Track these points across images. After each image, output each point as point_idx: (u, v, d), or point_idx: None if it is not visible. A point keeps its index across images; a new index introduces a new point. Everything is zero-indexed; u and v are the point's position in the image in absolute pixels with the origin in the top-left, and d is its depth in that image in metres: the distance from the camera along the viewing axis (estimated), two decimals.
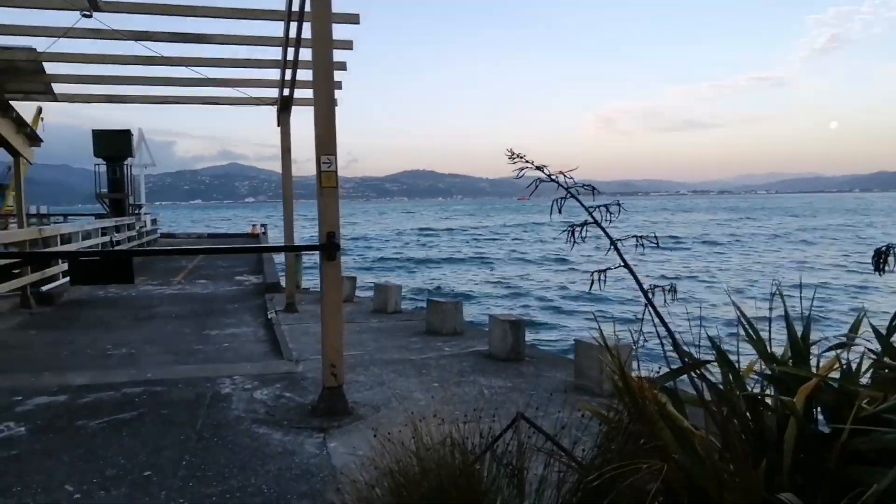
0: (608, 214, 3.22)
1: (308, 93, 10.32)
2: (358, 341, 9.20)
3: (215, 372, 7.54)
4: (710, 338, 3.08)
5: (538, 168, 3.39)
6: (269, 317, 11.23)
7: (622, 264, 3.12)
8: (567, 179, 3.37)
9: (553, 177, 3.34)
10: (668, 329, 3.04)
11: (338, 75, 11.38)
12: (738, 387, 2.93)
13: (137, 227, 23.44)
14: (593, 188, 3.30)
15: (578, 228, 3.21)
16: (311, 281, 19.92)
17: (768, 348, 3.07)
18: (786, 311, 3.02)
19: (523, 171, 3.47)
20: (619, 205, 3.27)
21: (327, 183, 5.78)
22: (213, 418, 5.88)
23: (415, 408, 6.08)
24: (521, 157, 3.53)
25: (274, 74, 10.94)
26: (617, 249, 3.15)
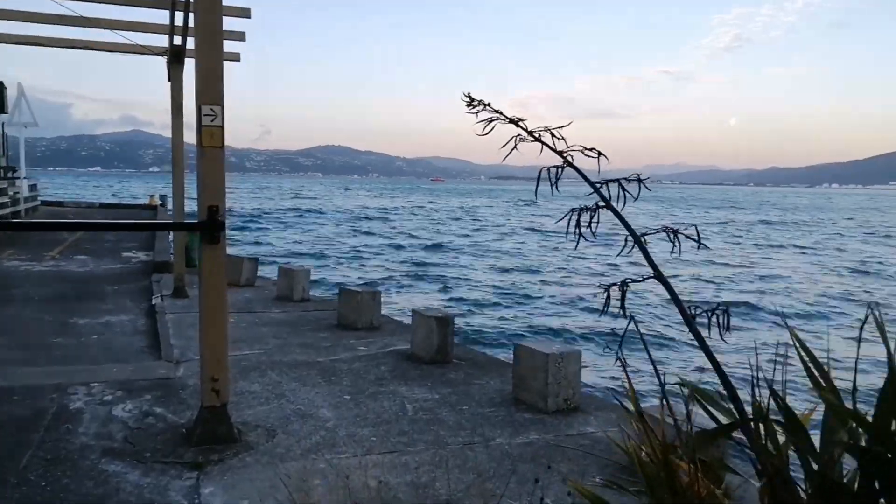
0: (621, 197, 2.12)
1: None
2: (255, 336, 7.81)
3: (68, 377, 6.00)
4: (769, 388, 2.01)
5: (512, 121, 2.25)
6: (153, 303, 9.63)
7: (654, 275, 2.00)
8: (556, 139, 2.25)
9: (538, 134, 2.22)
10: (719, 370, 1.95)
11: (239, 24, 9.83)
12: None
13: (11, 194, 20.73)
14: (600, 153, 2.19)
15: (587, 213, 2.09)
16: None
17: (849, 403, 2.03)
18: (888, 349, 1.96)
19: (493, 124, 2.33)
20: (640, 181, 2.15)
21: (210, 142, 4.40)
22: (47, 449, 4.42)
23: (322, 430, 4.84)
24: (484, 105, 2.37)
25: (163, 18, 9.25)
26: (644, 251, 2.03)
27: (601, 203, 2.14)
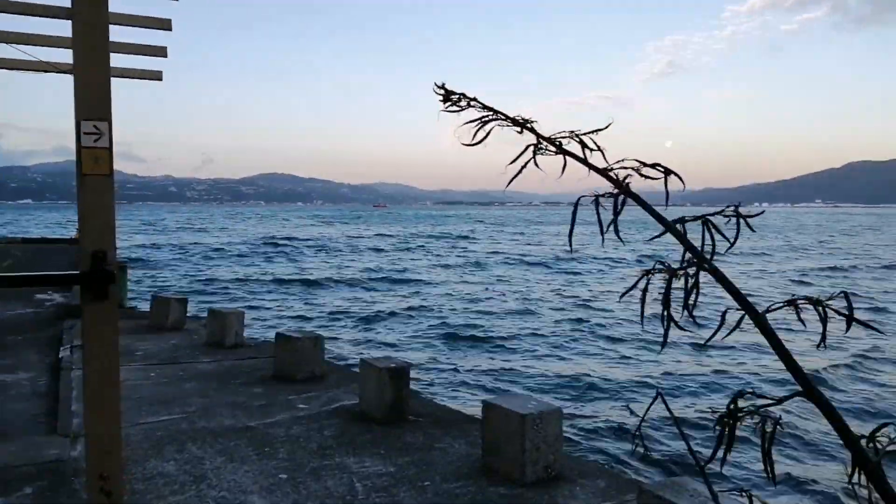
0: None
1: (128, 59, 7.84)
2: (177, 395, 6.69)
3: None
4: None
5: (514, 122, 1.42)
6: (61, 356, 8.37)
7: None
8: (589, 146, 1.40)
9: (560, 141, 1.40)
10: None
11: (163, 38, 8.77)
12: None
13: None
14: (668, 172, 1.34)
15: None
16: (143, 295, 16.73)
17: None
18: None
19: (485, 125, 1.48)
20: (738, 215, 1.31)
21: (94, 168, 3.39)
22: None
23: None
24: (469, 100, 1.52)
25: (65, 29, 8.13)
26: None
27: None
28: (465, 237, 64.85)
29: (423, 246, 47.53)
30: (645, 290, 1.11)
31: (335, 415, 6.13)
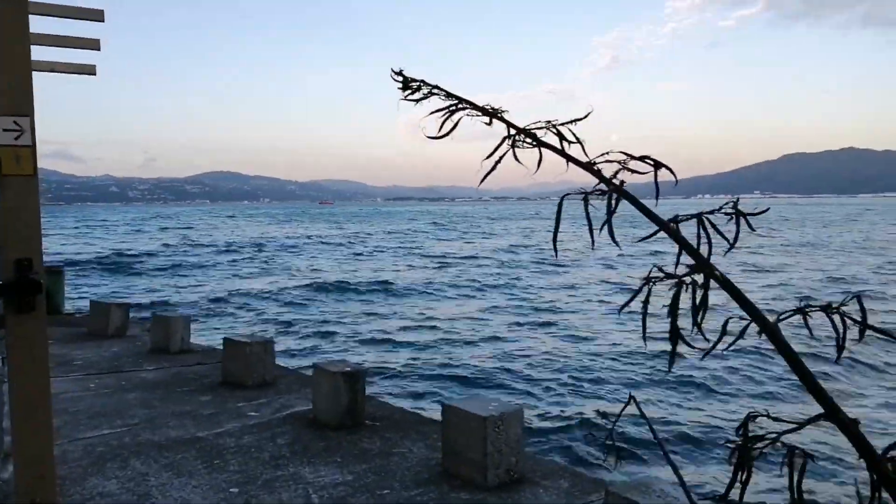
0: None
1: (57, 53, 7.44)
2: (119, 407, 6.34)
3: None
4: None
5: (483, 111, 1.26)
6: None
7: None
8: (568, 138, 1.26)
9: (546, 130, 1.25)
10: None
11: (95, 30, 8.33)
12: None
13: None
14: (658, 165, 1.21)
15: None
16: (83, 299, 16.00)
17: None
18: None
19: (452, 115, 1.32)
20: (738, 213, 1.18)
21: (16, 168, 3.11)
22: None
23: None
24: (431, 88, 1.36)
25: None
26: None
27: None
28: (421, 232, 64.15)
29: (379, 247, 46.24)
30: (646, 302, 0.98)
31: (288, 422, 5.90)
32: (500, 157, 1.18)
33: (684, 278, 0.97)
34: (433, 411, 7.76)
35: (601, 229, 1.03)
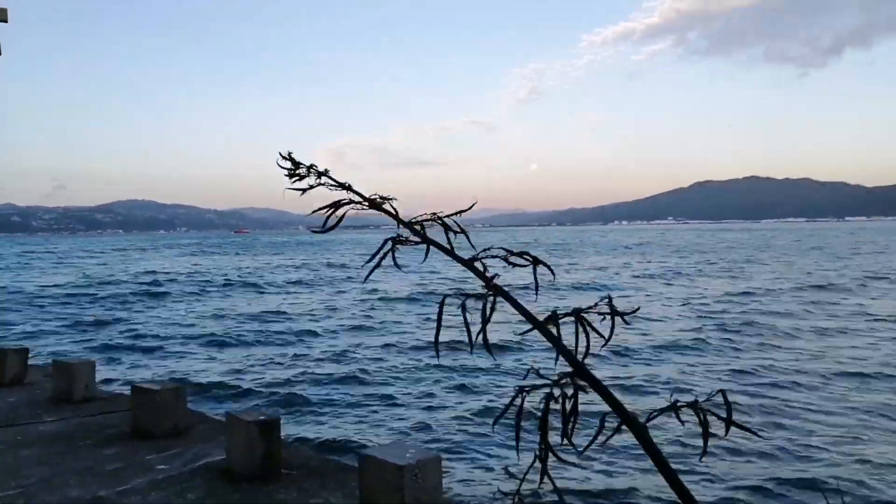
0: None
1: None
2: (12, 466, 5.93)
3: None
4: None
5: (319, 173, 1.31)
6: None
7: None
8: (453, 229, 1.31)
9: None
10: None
11: None
12: None
13: None
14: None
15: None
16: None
17: None
18: None
19: (338, 210, 1.34)
20: (613, 312, 1.25)
21: None
22: None
23: None
24: (309, 169, 1.38)
25: None
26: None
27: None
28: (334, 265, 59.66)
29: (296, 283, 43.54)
30: (520, 411, 1.01)
31: (200, 474, 5.66)
32: (383, 257, 1.19)
33: (554, 390, 1.00)
34: (354, 452, 7.65)
35: (478, 336, 1.05)
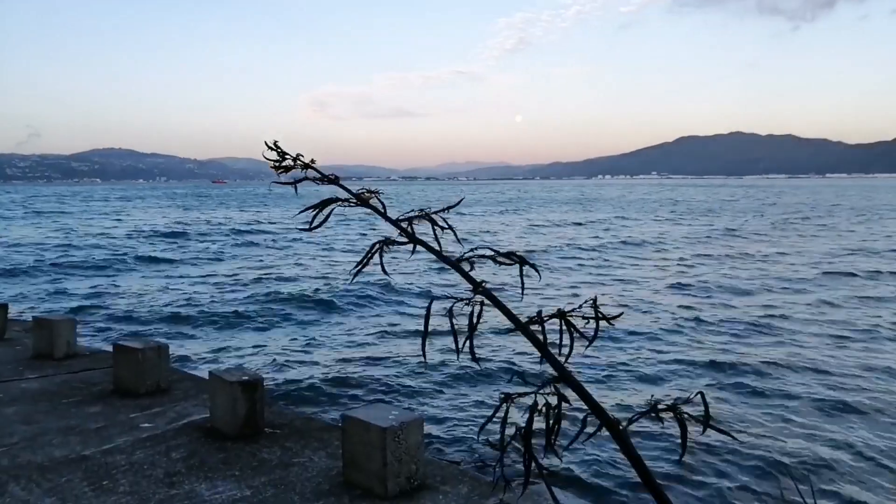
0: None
1: None
2: None
3: None
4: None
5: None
6: None
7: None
8: (440, 225, 1.30)
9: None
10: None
11: None
12: None
13: None
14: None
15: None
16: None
17: None
18: None
19: (324, 208, 1.32)
20: (598, 316, 1.25)
21: None
22: None
23: None
24: (294, 160, 1.36)
25: None
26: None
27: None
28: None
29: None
30: (504, 420, 1.02)
31: (184, 433, 5.72)
32: (370, 257, 1.19)
33: (538, 397, 1.02)
34: (337, 412, 7.73)
35: (464, 345, 1.06)
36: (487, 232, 43.98)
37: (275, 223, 51.86)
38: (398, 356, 11.76)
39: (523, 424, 1.01)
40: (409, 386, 9.96)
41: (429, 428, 7.27)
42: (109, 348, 7.76)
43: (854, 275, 22.67)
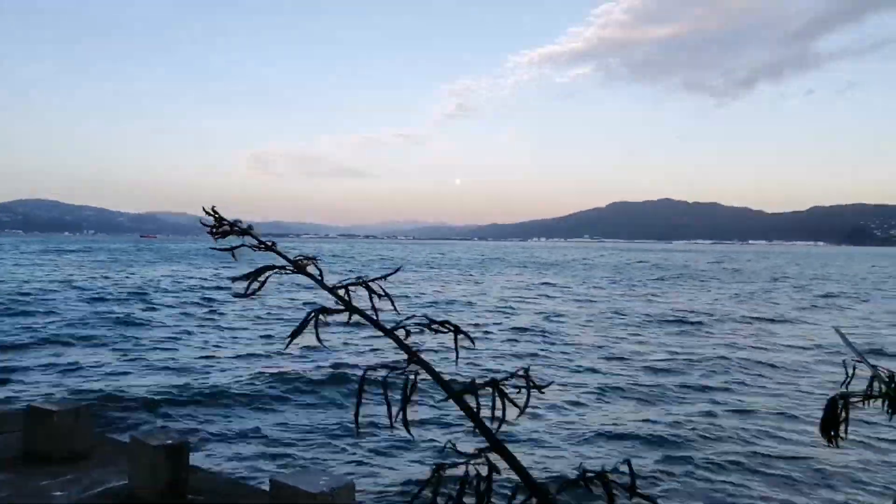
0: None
1: None
2: None
3: None
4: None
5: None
6: None
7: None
8: (377, 292, 1.32)
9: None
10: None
11: None
12: None
13: None
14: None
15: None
16: None
17: None
18: None
19: (259, 275, 1.33)
20: (529, 384, 1.30)
21: None
22: None
23: None
24: (232, 226, 1.38)
25: None
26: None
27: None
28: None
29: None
30: (436, 491, 1.03)
31: (100, 502, 5.39)
32: (306, 325, 1.20)
33: (469, 468, 1.03)
34: (266, 476, 7.43)
35: (397, 415, 1.07)
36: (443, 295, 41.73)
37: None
38: (332, 424, 11.43)
39: (455, 495, 1.02)
40: (342, 452, 9.67)
41: (360, 496, 7.08)
42: (21, 410, 7.30)
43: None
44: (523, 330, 24.25)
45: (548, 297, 39.84)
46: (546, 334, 23.62)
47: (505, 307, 32.15)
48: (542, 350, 20.28)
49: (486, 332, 23.40)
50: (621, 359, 18.64)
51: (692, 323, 27.20)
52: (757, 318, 29.29)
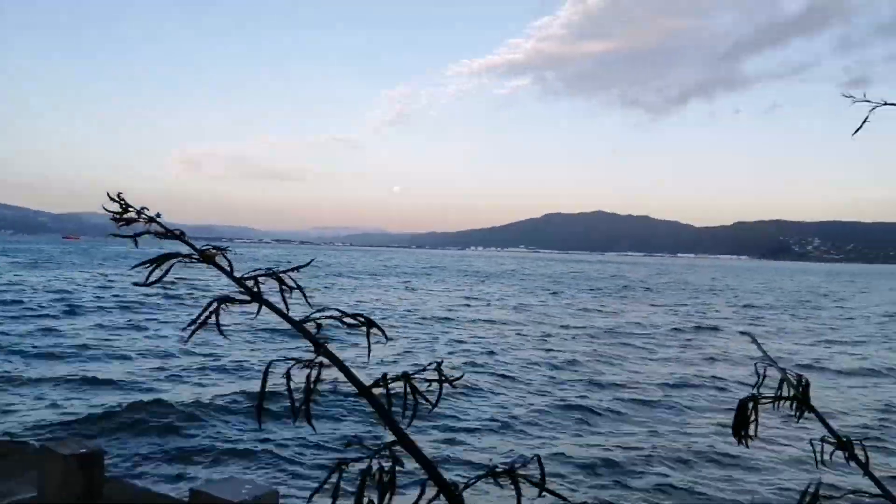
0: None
1: None
2: None
3: None
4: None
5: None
6: None
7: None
8: (288, 284, 1.29)
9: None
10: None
11: None
12: None
13: None
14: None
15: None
16: None
17: None
18: None
19: (162, 263, 1.28)
20: (441, 378, 1.28)
21: None
22: None
23: None
24: (143, 214, 1.33)
25: None
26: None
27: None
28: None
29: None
30: (337, 487, 0.99)
31: None
32: (207, 317, 1.14)
33: (373, 462, 1.00)
34: (185, 484, 7.16)
35: (301, 406, 1.03)
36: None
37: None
38: (237, 420, 11.15)
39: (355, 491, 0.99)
40: (246, 452, 9.39)
41: (285, 501, 6.92)
42: None
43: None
44: (460, 342, 24.23)
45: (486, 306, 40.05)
46: (480, 340, 23.80)
47: (443, 317, 32.16)
48: (476, 357, 20.36)
49: (429, 342, 23.28)
50: (556, 367, 18.92)
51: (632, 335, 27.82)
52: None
